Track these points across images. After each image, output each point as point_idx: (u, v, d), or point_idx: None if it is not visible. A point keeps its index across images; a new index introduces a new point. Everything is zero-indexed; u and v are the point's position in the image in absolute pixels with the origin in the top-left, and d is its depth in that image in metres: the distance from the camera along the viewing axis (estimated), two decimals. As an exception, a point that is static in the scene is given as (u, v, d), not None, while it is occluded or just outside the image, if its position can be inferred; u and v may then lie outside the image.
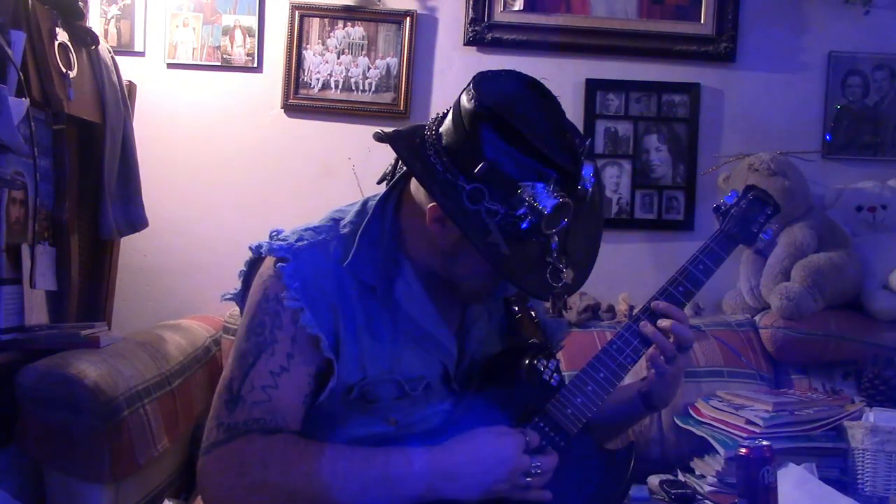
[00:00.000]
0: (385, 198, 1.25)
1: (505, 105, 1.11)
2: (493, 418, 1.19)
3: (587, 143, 1.18)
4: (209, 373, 2.01)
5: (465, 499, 1.13)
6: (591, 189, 1.17)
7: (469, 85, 1.14)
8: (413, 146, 1.16)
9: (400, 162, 1.25)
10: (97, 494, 1.47)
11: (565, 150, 1.13)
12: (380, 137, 1.18)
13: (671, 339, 1.27)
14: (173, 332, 1.97)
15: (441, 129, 1.16)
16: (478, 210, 1.09)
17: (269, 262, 1.20)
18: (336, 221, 1.25)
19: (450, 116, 1.16)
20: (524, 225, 1.08)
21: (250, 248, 1.25)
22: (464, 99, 1.13)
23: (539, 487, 1.17)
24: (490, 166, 1.09)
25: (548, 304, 1.13)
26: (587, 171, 1.16)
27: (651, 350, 1.28)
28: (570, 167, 1.12)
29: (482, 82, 1.14)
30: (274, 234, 1.24)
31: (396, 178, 1.27)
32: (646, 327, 1.27)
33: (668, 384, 1.34)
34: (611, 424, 1.43)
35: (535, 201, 1.07)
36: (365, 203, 1.27)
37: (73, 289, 1.86)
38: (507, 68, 1.19)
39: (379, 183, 1.29)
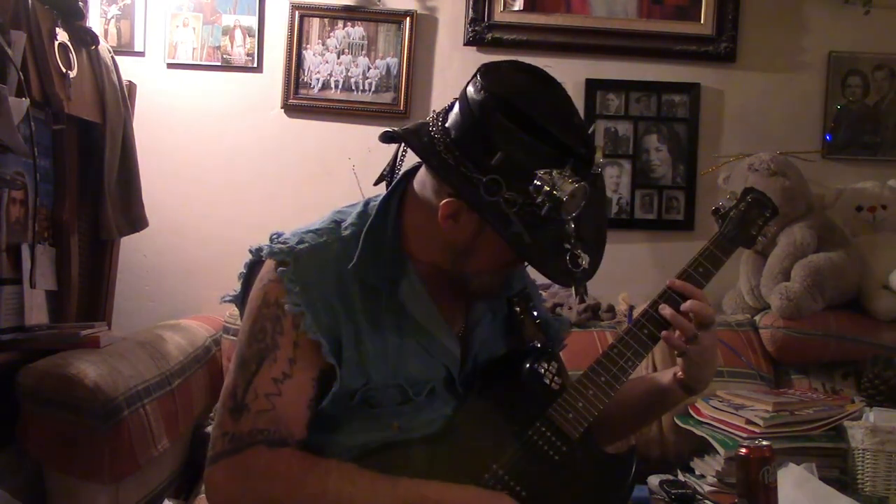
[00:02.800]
0: (387, 198, 1.22)
1: (514, 94, 1.09)
2: (495, 423, 1.18)
3: (592, 128, 1.18)
4: (209, 373, 2.01)
5: None
6: (600, 171, 1.15)
7: (475, 76, 1.12)
8: (423, 143, 1.14)
9: (399, 162, 1.23)
10: (97, 494, 1.47)
11: (578, 134, 1.11)
12: (389, 137, 1.15)
13: (691, 320, 1.25)
14: (173, 332, 1.97)
15: (448, 124, 1.13)
16: (496, 201, 1.07)
17: (269, 265, 1.18)
18: (337, 223, 1.23)
19: (456, 109, 1.13)
20: (543, 212, 1.06)
21: (250, 251, 1.24)
22: (471, 90, 1.11)
23: None
24: (505, 156, 1.07)
25: (568, 292, 1.13)
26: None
27: (667, 332, 1.25)
28: (585, 151, 1.10)
29: (488, 73, 1.12)
30: (274, 236, 1.22)
31: (397, 178, 1.25)
32: (664, 310, 1.25)
33: (699, 365, 1.30)
34: (644, 413, 1.42)
35: (552, 188, 1.05)
36: (366, 204, 1.25)
37: (72, 289, 1.85)
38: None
39: (376, 184, 1.26)
